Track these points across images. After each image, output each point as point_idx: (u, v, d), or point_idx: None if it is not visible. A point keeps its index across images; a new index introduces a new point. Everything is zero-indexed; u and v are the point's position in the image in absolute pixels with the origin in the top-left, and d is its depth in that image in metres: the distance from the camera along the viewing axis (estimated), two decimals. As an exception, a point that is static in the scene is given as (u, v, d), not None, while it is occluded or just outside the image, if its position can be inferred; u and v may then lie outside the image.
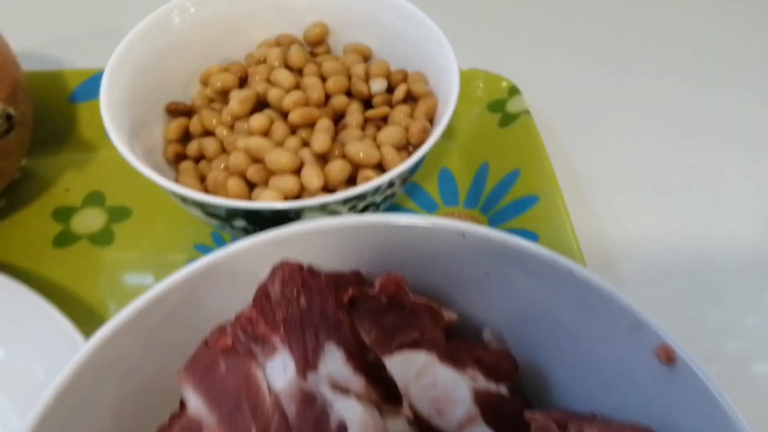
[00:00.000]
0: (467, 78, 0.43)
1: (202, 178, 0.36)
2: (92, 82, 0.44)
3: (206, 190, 0.35)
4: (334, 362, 0.21)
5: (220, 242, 0.39)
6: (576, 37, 0.54)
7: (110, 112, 0.33)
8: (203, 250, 0.39)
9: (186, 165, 0.37)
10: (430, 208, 0.41)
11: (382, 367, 0.22)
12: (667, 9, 0.57)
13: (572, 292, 0.25)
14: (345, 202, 0.30)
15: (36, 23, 0.55)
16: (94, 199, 0.41)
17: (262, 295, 0.23)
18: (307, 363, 0.21)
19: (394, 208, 0.40)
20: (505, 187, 0.39)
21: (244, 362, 0.22)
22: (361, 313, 0.25)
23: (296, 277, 0.22)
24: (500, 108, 0.43)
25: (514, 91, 0.44)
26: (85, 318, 0.35)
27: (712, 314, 0.37)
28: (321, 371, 0.21)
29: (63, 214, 0.40)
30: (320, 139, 0.32)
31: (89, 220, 0.40)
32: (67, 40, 0.52)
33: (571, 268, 0.25)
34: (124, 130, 0.33)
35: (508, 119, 0.42)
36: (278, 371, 0.22)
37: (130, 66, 0.36)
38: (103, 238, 0.39)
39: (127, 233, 0.40)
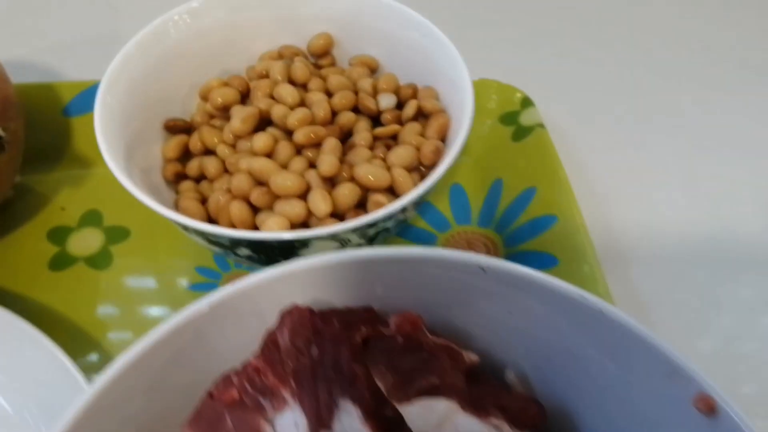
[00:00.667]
0: (478, 89, 0.40)
1: (204, 200, 0.34)
2: (87, 95, 0.42)
3: (208, 213, 0.33)
4: (349, 420, 0.19)
5: (223, 265, 0.37)
6: (587, 44, 0.52)
7: (105, 133, 0.31)
8: (205, 273, 0.37)
9: (186, 185, 0.35)
10: (441, 226, 0.39)
11: (402, 423, 0.20)
12: (688, 18, 0.55)
13: (603, 332, 0.23)
14: (355, 230, 0.28)
15: (28, 30, 0.53)
16: (91, 218, 0.39)
17: (270, 344, 0.21)
18: (320, 420, 0.20)
19: (404, 227, 0.38)
20: (520, 206, 0.38)
21: (252, 417, 0.21)
22: (376, 355, 0.24)
23: (307, 324, 0.21)
24: (513, 121, 0.41)
25: (527, 102, 0.42)
26: (82, 346, 0.34)
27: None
28: (335, 430, 0.19)
29: (59, 234, 0.39)
30: (327, 162, 0.31)
31: (86, 241, 0.38)
32: (61, 47, 0.51)
33: (601, 308, 0.23)
34: (119, 151, 0.32)
35: (521, 133, 0.41)
36: (289, 428, 0.20)
37: (126, 81, 0.34)
38: (100, 260, 0.38)
39: (126, 255, 0.38)
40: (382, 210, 0.28)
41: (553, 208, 0.36)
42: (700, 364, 0.21)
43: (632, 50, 0.52)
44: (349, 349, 0.20)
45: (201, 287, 0.36)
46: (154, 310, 0.36)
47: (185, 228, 0.29)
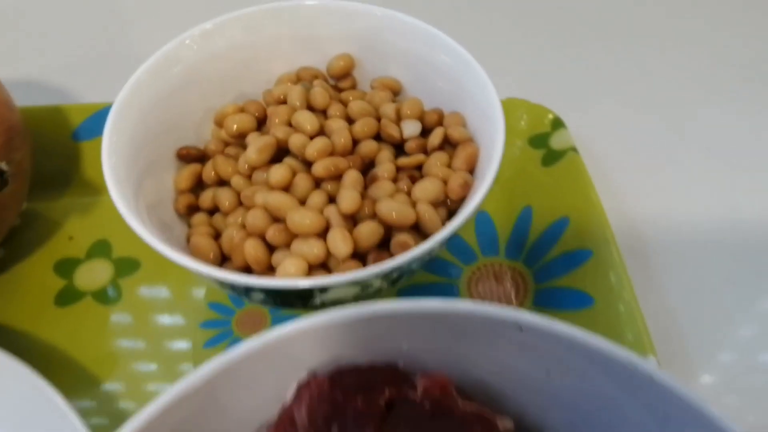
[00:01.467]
0: (505, 108, 0.38)
1: (217, 234, 0.32)
2: (97, 118, 0.40)
3: (221, 250, 0.31)
4: None
5: (236, 301, 0.35)
6: (616, 62, 0.50)
7: (112, 168, 0.30)
8: (218, 309, 0.35)
9: (199, 219, 0.33)
10: (467, 258, 0.37)
11: None
12: (723, 36, 0.52)
13: (651, 398, 0.21)
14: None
15: (36, 48, 0.51)
16: (100, 249, 0.38)
17: (287, 421, 0.19)
18: None
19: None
20: (552, 237, 0.35)
21: (267, 502, 0.19)
22: (401, 422, 0.21)
23: (326, 399, 0.19)
24: (543, 143, 0.39)
25: (557, 124, 0.39)
26: (86, 388, 0.32)
27: None
28: None
29: (66, 267, 0.37)
30: (348, 197, 0.29)
31: (94, 274, 0.37)
32: (70, 66, 0.49)
33: (651, 374, 0.21)
34: (128, 186, 0.30)
35: (552, 157, 0.38)
36: None
37: (136, 110, 0.32)
38: (109, 295, 0.36)
39: (135, 289, 0.36)
40: (408, 253, 0.26)
41: (587, 241, 0.34)
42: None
43: (666, 65, 0.49)
44: (373, 429, 0.18)
45: (213, 324, 0.34)
46: (164, 350, 0.34)
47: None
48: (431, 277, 0.36)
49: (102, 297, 0.36)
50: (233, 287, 0.28)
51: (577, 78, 0.48)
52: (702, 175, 0.42)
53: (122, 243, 0.38)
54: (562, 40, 0.51)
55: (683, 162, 0.42)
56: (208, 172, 0.34)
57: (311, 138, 0.32)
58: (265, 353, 0.22)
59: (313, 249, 0.28)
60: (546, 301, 0.34)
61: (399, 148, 0.34)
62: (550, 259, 0.35)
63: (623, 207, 0.39)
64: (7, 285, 0.36)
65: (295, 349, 0.22)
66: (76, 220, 0.39)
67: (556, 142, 0.39)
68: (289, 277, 0.27)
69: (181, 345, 0.34)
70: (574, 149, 0.38)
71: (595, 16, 0.53)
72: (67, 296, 0.36)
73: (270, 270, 0.29)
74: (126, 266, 0.37)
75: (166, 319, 0.35)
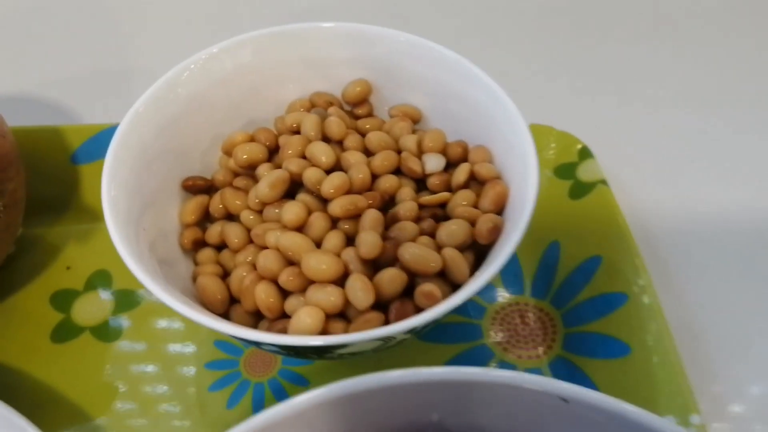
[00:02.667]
0: (535, 135, 0.36)
1: (225, 273, 0.30)
2: (98, 140, 0.38)
3: (229, 291, 0.29)
4: None
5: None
6: (645, 86, 0.48)
7: (112, 205, 0.27)
8: (226, 348, 0.33)
9: (205, 255, 0.31)
10: (490, 297, 0.34)
11: None
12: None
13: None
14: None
15: (34, 63, 0.49)
16: (99, 280, 0.35)
17: None
18: None
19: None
20: (583, 278, 0.33)
21: None
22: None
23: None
24: (570, 174, 0.37)
25: (585, 153, 0.37)
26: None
27: None
28: None
29: (63, 299, 0.35)
30: (369, 242, 0.26)
31: (93, 308, 0.35)
32: (69, 82, 0.47)
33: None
34: (130, 221, 0.28)
35: (580, 190, 0.36)
36: None
37: (138, 138, 0.30)
38: (108, 331, 0.34)
39: (137, 324, 0.34)
40: (436, 309, 0.24)
41: (622, 284, 0.32)
42: None
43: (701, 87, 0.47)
44: None
45: (220, 365, 0.32)
46: (166, 391, 0.32)
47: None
48: (452, 317, 0.34)
49: (101, 333, 0.34)
50: (243, 339, 0.26)
51: (603, 105, 0.46)
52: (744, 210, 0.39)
53: (123, 274, 0.34)
54: (585, 62, 0.49)
55: (719, 196, 0.40)
56: (216, 205, 0.31)
57: (327, 172, 0.30)
58: (282, 426, 0.20)
59: (331, 297, 0.26)
60: (577, 347, 0.32)
61: (420, 182, 0.31)
62: (581, 300, 0.33)
63: (652, 241, 0.37)
64: (2, 318, 0.34)
65: (318, 420, 0.20)
66: (74, 248, 0.37)
67: (584, 173, 0.36)
68: (305, 329, 0.25)
69: (186, 387, 0.32)
70: (603, 182, 0.35)
71: (615, 29, 0.51)
72: (64, 331, 0.34)
73: (283, 316, 0.27)
74: (127, 299, 0.35)
75: (168, 359, 0.33)
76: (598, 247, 0.33)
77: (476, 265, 0.28)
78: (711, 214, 0.39)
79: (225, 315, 0.29)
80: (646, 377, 0.29)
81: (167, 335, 0.34)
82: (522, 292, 0.35)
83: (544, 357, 0.32)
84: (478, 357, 0.32)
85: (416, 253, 0.26)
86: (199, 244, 0.31)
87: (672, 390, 0.28)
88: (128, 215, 0.28)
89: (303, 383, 0.31)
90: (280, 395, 0.31)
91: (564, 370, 0.31)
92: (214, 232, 0.31)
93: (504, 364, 0.32)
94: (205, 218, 0.32)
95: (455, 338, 0.33)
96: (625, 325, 0.31)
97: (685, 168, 0.41)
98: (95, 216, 0.37)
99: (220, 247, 0.31)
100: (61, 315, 0.34)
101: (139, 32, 0.52)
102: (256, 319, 0.28)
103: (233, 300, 0.29)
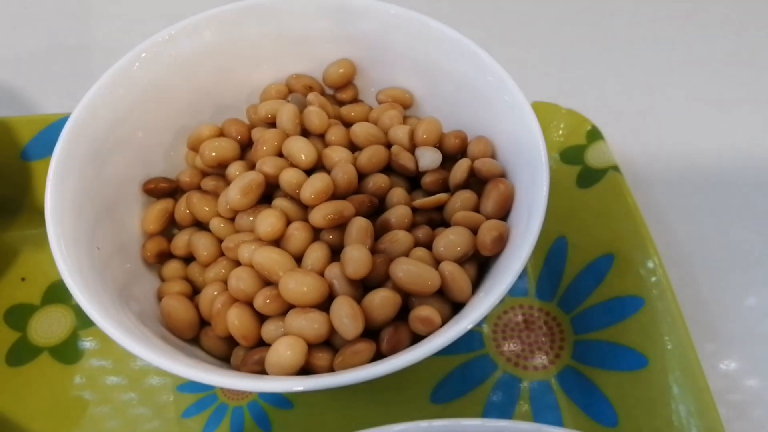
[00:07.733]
0: (538, 114, 0.32)
1: (194, 290, 0.27)
2: (50, 133, 0.34)
3: (198, 311, 0.26)
4: None
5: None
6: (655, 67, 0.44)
7: (56, 212, 0.24)
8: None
9: (171, 269, 0.27)
10: (491, 300, 0.31)
11: None
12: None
13: None
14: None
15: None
16: (58, 292, 0.32)
17: None
18: None
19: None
20: (593, 279, 0.30)
21: None
22: None
23: None
24: (578, 159, 0.33)
25: (594, 135, 0.34)
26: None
27: None
28: None
29: (18, 316, 0.31)
30: (356, 259, 0.23)
31: (51, 325, 0.31)
32: (19, 60, 0.42)
33: None
34: (80, 244, 0.24)
35: (589, 177, 0.33)
36: None
37: (89, 136, 0.26)
38: (68, 350, 0.30)
39: (100, 343, 0.30)
40: (436, 340, 0.21)
41: (638, 286, 0.28)
42: None
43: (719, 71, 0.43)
44: None
45: (194, 388, 0.29)
46: (135, 418, 0.29)
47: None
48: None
49: (61, 354, 0.30)
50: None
51: (613, 82, 0.42)
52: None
53: (84, 285, 0.32)
54: (594, 38, 0.45)
55: (738, 187, 0.37)
56: (182, 212, 0.28)
57: (307, 172, 0.26)
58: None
59: (314, 325, 0.22)
60: (588, 357, 0.29)
61: (412, 179, 0.28)
62: (592, 304, 0.29)
63: (670, 236, 0.34)
64: (-51, 340, 0.31)
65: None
66: (29, 256, 0.33)
67: (594, 158, 0.33)
68: (285, 363, 0.22)
69: (158, 414, 0.29)
70: (615, 167, 0.32)
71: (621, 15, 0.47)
72: (21, 353, 0.30)
73: (261, 344, 0.24)
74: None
75: (137, 382, 0.30)
76: (610, 243, 0.30)
77: (478, 276, 0.25)
78: (731, 198, 0.36)
79: (195, 340, 0.25)
80: (666, 391, 0.26)
81: (134, 356, 0.30)
82: (525, 293, 0.31)
83: (552, 367, 0.29)
84: (480, 370, 0.29)
85: (411, 270, 0.23)
86: (164, 256, 0.28)
87: (694, 407, 0.25)
88: (76, 235, 0.24)
89: (287, 406, 0.28)
90: (261, 421, 0.28)
91: (574, 382, 0.29)
92: (180, 242, 0.27)
93: (508, 377, 0.29)
94: (172, 224, 0.29)
95: (454, 348, 0.30)
96: (642, 333, 0.27)
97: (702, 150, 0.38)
98: (51, 218, 0.33)
99: (188, 259, 0.28)
100: (17, 333, 0.31)
101: (99, 3, 0.47)
102: (229, 344, 0.25)
103: (203, 323, 0.26)
